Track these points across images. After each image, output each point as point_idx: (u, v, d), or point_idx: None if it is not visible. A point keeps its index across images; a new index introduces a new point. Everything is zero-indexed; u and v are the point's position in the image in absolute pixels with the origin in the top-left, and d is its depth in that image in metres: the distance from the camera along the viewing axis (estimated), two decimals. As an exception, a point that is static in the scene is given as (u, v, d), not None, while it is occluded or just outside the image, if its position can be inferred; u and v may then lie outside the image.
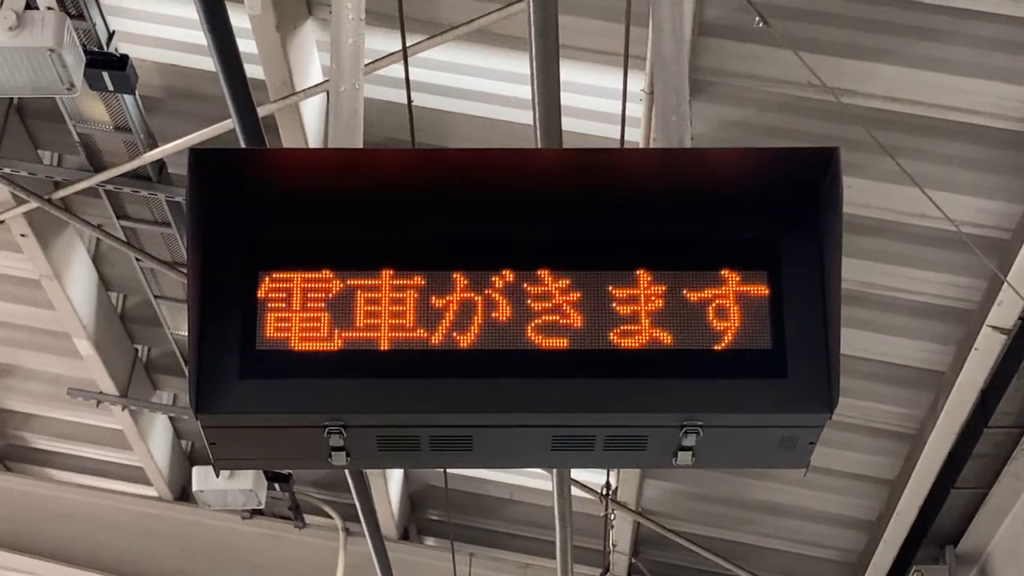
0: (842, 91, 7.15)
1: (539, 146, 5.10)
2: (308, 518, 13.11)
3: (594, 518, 10.84)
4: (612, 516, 10.84)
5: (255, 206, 3.99)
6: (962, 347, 8.47)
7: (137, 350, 12.06)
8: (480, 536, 12.72)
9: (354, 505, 8.67)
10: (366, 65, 4.90)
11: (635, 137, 7.41)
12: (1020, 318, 7.80)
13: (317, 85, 8.03)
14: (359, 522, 9.06)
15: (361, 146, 4.26)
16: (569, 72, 5.81)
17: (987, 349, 8.13)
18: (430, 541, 13.29)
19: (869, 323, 8.74)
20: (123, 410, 12.01)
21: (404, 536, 12.91)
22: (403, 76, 6.28)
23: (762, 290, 3.96)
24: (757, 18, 6.60)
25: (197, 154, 3.87)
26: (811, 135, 7.57)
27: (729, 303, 3.95)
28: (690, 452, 3.95)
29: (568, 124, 5.24)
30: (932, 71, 7.16)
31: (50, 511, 13.21)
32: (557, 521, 8.34)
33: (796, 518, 11.21)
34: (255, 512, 12.89)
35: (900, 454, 9.86)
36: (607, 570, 11.09)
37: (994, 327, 7.94)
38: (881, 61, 7.20)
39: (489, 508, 12.65)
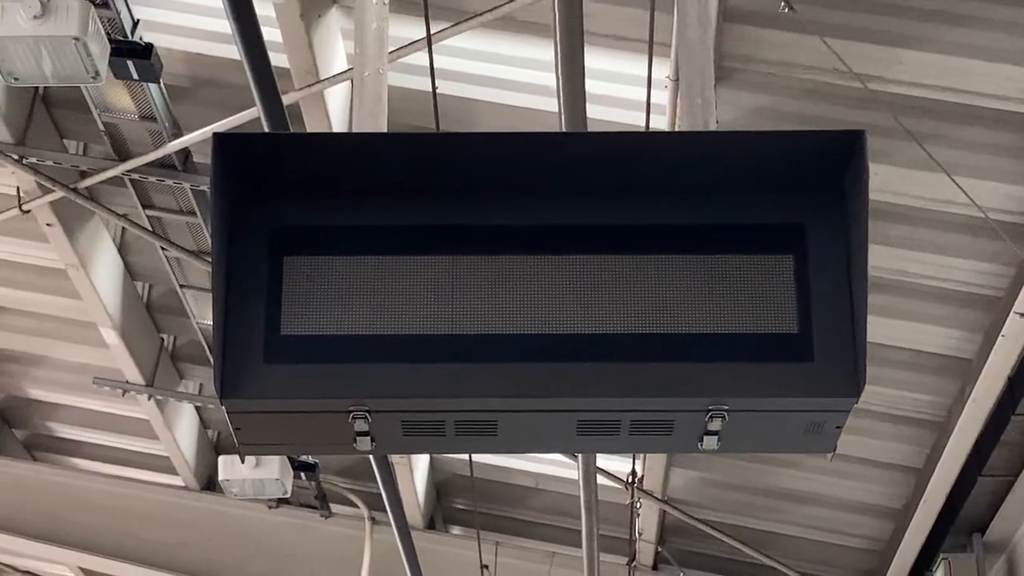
0: (869, 77, 7.13)
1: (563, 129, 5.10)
2: (334, 507, 13.17)
3: (620, 507, 10.84)
4: (638, 504, 10.85)
5: (279, 190, 3.98)
6: (989, 334, 8.45)
7: (163, 339, 12.11)
8: (506, 525, 12.74)
9: (380, 494, 8.68)
10: (390, 53, 4.90)
11: (660, 124, 7.40)
12: (1048, 304, 7.79)
13: (342, 73, 8.03)
14: (385, 511, 9.07)
15: (385, 131, 4.27)
16: (593, 59, 5.79)
17: (1014, 336, 8.09)
18: (456, 530, 13.32)
19: (895, 310, 8.72)
20: (149, 399, 12.06)
21: (430, 525, 12.94)
22: (427, 64, 6.28)
23: (788, 274, 3.95)
24: (783, 3, 6.60)
25: (221, 138, 3.87)
26: (837, 122, 7.55)
27: (755, 287, 3.94)
28: (716, 436, 3.93)
29: (593, 112, 5.23)
30: (960, 56, 7.13)
31: (76, 501, 13.27)
32: (583, 510, 8.35)
33: (822, 506, 11.22)
34: (281, 501, 12.93)
35: (927, 442, 9.85)
36: (633, 559, 11.11)
37: (1021, 314, 7.90)
38: (908, 47, 7.17)
39: (515, 497, 12.68)
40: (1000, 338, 8.15)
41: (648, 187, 4.00)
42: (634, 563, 11.12)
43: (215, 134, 3.84)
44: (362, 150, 4.01)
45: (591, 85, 5.07)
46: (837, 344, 3.88)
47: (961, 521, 10.20)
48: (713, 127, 4.20)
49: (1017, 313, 7.91)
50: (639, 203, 4.00)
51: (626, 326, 3.91)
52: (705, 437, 3.95)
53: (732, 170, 3.97)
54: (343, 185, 3.99)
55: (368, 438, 3.95)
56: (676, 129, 7.39)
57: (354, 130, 4.24)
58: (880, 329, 8.74)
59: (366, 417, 3.90)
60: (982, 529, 10.31)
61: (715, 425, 3.91)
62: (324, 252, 3.96)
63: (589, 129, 5.17)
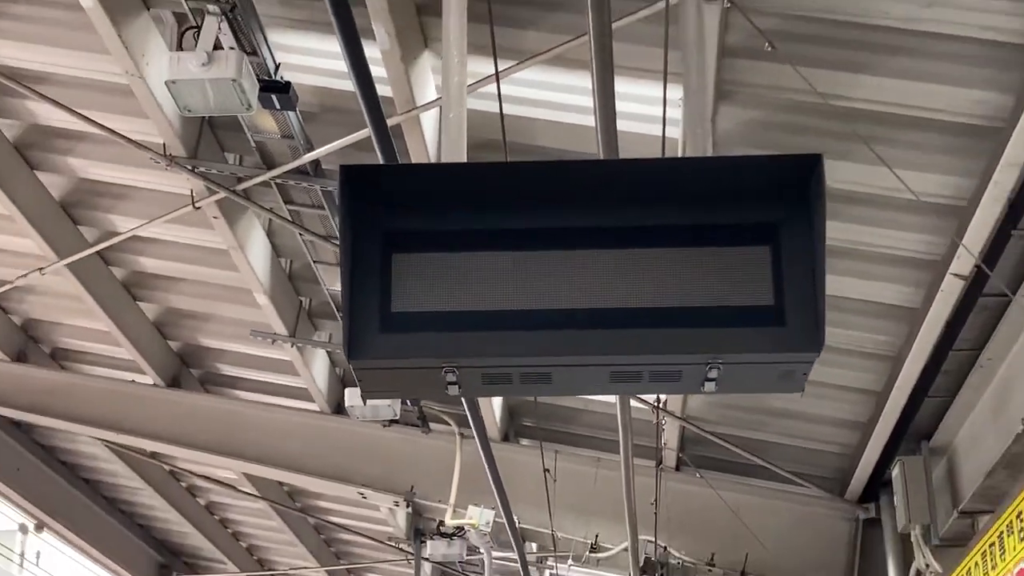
0: (835, 96, 7.15)
1: (599, 143, 5.14)
2: (432, 425, 13.27)
3: (649, 423, 10.93)
4: (663, 421, 10.92)
5: (389, 205, 4.10)
6: (930, 289, 8.45)
7: (301, 301, 12.22)
8: (562, 437, 12.78)
9: (467, 415, 8.77)
10: (468, 85, 4.97)
11: (673, 134, 7.43)
12: (975, 267, 7.79)
13: (432, 102, 8.06)
14: (471, 428, 9.14)
15: (465, 157, 4.38)
16: (622, 85, 5.84)
17: (950, 291, 8.10)
18: (524, 442, 13.36)
19: (858, 272, 8.71)
20: (291, 346, 12.20)
21: (505, 438, 13.01)
22: (495, 92, 6.34)
23: (766, 260, 4.03)
24: (767, 43, 6.64)
25: (346, 169, 4.00)
26: (813, 129, 7.57)
27: (743, 271, 4.03)
28: (714, 382, 4.04)
29: (621, 125, 5.27)
30: (905, 79, 7.13)
31: (239, 423, 13.43)
32: (620, 427, 8.38)
33: (805, 421, 11.23)
34: (392, 422, 13.03)
35: (884, 371, 9.85)
36: (660, 463, 11.17)
37: (955, 274, 7.93)
38: (865, 72, 7.18)
39: (569, 416, 12.71)
40: (939, 292, 8.16)
41: (664, 197, 4.08)
42: (661, 466, 11.18)
43: (342, 166, 3.96)
44: (451, 175, 4.13)
45: (620, 105, 5.09)
46: (804, 312, 3.97)
47: (912, 431, 10.23)
48: (710, 148, 4.28)
49: (952, 274, 7.93)
50: (656, 210, 4.09)
51: (647, 301, 4.01)
52: (706, 382, 4.05)
53: (725, 183, 4.06)
54: (437, 200, 4.10)
55: (456, 386, 4.08)
56: (685, 139, 7.43)
57: (442, 158, 4.35)
58: (848, 286, 8.76)
59: (454, 371, 4.03)
60: (928, 437, 10.33)
61: (713, 374, 4.01)
62: (423, 250, 4.08)
63: (619, 140, 5.22)
